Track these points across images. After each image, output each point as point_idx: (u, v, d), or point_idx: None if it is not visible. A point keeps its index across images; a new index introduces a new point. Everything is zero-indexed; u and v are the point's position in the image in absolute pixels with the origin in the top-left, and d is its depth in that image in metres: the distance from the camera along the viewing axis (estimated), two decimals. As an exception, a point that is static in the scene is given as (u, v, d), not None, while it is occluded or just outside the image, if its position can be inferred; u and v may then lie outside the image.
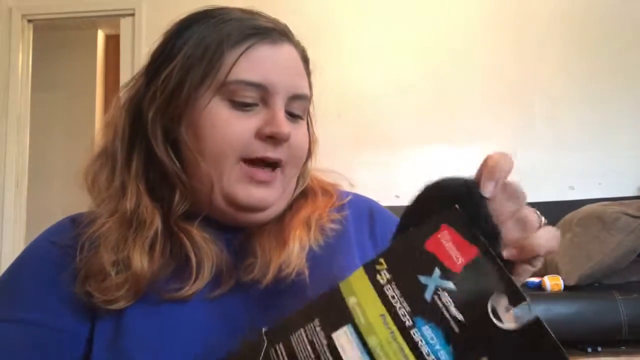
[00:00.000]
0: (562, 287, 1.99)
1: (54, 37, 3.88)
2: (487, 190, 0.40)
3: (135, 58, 3.04)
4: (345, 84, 2.85)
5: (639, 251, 1.97)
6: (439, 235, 0.37)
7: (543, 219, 0.42)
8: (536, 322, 0.31)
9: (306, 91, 0.59)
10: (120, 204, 0.55)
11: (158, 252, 0.53)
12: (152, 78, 0.57)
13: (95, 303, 0.51)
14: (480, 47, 2.86)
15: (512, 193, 0.41)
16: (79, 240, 0.54)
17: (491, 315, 0.32)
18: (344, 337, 0.37)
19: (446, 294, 0.34)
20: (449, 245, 0.36)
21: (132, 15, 3.10)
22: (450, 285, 0.35)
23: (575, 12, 2.83)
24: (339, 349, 0.36)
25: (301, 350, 0.38)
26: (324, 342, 0.37)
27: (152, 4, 3.06)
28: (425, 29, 2.92)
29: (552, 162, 2.74)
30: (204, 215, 0.57)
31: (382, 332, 0.35)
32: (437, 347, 0.33)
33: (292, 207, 0.61)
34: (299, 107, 0.58)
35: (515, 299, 0.32)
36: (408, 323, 0.35)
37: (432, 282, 0.35)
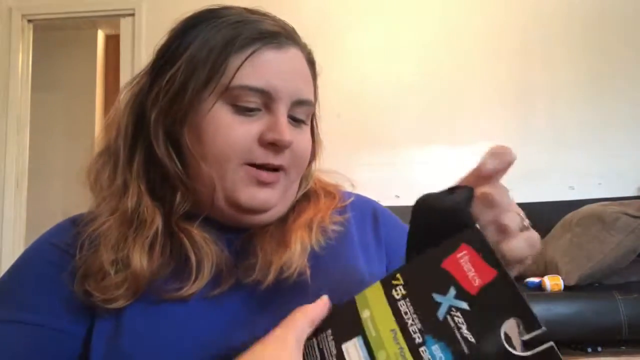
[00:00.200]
0: (562, 287, 1.99)
1: (54, 37, 3.88)
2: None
3: (135, 58, 3.04)
4: (345, 84, 2.85)
5: (639, 251, 1.97)
6: (457, 255, 0.36)
7: (526, 222, 0.42)
8: (550, 351, 0.31)
9: (310, 96, 0.58)
10: (122, 202, 0.55)
11: (158, 252, 0.53)
12: (156, 77, 0.57)
13: (94, 302, 0.51)
14: (480, 48, 2.86)
15: (489, 202, 0.41)
16: (78, 239, 0.54)
17: (504, 341, 0.32)
18: (353, 349, 0.37)
19: (459, 314, 0.34)
20: (467, 265, 0.36)
21: (132, 15, 3.10)
22: (464, 305, 0.34)
23: (576, 12, 2.83)
24: None
25: (310, 358, 0.39)
26: (334, 351, 0.38)
27: (152, 4, 3.06)
28: (426, 29, 2.92)
29: (552, 162, 2.74)
30: (205, 216, 0.57)
31: (391, 347, 0.35)
32: None
33: (294, 209, 0.61)
34: (302, 112, 0.58)
35: (530, 325, 0.31)
36: (418, 340, 0.35)
37: (447, 301, 0.35)
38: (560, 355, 0.31)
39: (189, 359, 0.49)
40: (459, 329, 0.33)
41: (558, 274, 2.04)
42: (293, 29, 0.60)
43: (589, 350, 1.86)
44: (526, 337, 0.31)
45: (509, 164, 0.41)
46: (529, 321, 0.32)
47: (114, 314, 0.51)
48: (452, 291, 0.35)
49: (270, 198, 0.56)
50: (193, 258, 0.53)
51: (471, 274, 0.35)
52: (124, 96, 0.61)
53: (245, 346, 0.43)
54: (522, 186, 2.74)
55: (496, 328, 0.32)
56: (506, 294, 0.33)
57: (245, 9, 0.59)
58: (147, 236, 0.53)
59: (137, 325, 0.51)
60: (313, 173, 0.65)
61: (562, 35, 2.83)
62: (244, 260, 0.56)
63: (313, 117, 0.63)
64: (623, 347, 1.89)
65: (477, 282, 0.35)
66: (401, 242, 0.68)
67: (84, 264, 0.52)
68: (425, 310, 0.35)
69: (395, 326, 0.36)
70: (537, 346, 0.31)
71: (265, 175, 0.55)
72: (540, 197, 2.63)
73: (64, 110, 3.93)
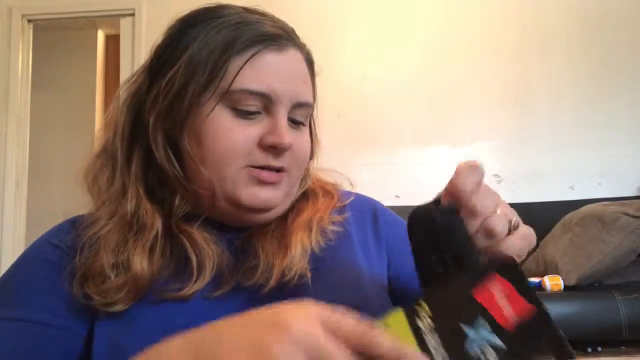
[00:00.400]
0: (562, 287, 1.99)
1: (54, 37, 3.88)
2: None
3: (135, 58, 3.04)
4: (345, 84, 2.85)
5: (639, 251, 1.97)
6: (489, 285, 0.35)
7: (515, 219, 0.42)
8: None
9: (309, 98, 0.58)
10: (121, 206, 0.55)
11: (158, 254, 0.53)
12: (155, 78, 0.57)
13: (93, 305, 0.51)
14: (480, 48, 2.86)
15: (472, 212, 0.41)
16: (78, 242, 0.54)
17: None
18: None
19: (491, 350, 0.33)
20: (501, 297, 0.34)
21: (132, 15, 3.10)
22: (498, 342, 0.33)
23: (576, 12, 2.83)
24: None
25: None
26: None
27: (152, 4, 3.06)
28: (426, 30, 2.92)
29: (552, 162, 2.74)
30: (205, 216, 0.57)
31: None
32: None
33: (293, 208, 0.61)
34: (301, 114, 0.58)
35: None
36: None
37: (477, 333, 0.33)
38: None
39: None
40: None
41: (558, 274, 2.04)
42: (292, 29, 0.59)
43: (589, 350, 1.86)
44: None
45: (482, 176, 0.42)
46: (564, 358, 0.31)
47: (115, 315, 0.51)
48: (484, 323, 0.34)
49: (272, 197, 0.56)
50: (194, 259, 0.53)
51: (506, 307, 0.34)
52: (121, 95, 0.60)
53: None
54: (522, 186, 2.75)
55: None
56: (543, 331, 0.32)
57: (244, 8, 0.59)
58: (148, 239, 0.53)
59: (139, 326, 0.51)
60: (311, 172, 0.65)
61: (562, 36, 2.83)
62: (245, 261, 0.56)
63: (311, 116, 0.63)
64: (623, 347, 1.89)
65: (514, 318, 0.33)
66: (402, 240, 0.68)
67: (84, 266, 0.52)
68: (452, 340, 0.33)
69: None
70: None
71: (266, 174, 0.55)
72: (540, 197, 2.63)
73: (63, 110, 3.93)
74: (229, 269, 0.55)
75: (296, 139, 0.56)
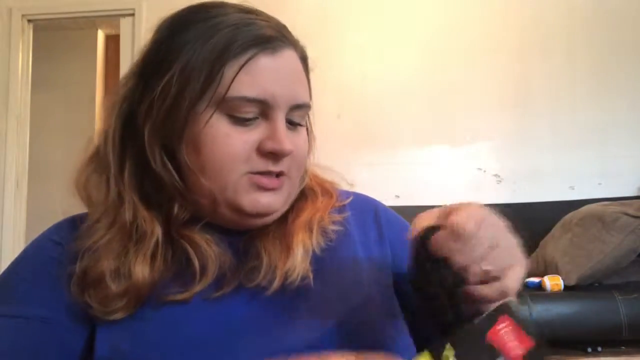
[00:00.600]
0: (562, 287, 1.99)
1: (54, 37, 3.88)
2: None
3: (135, 58, 3.04)
4: (345, 84, 2.85)
5: (639, 251, 1.97)
6: (499, 327, 0.40)
7: (490, 267, 0.43)
8: None
9: (307, 99, 0.58)
10: (119, 215, 0.54)
11: (159, 261, 0.53)
12: (147, 86, 0.55)
13: (93, 314, 0.50)
14: (480, 48, 2.86)
15: (463, 268, 0.42)
16: (79, 248, 0.53)
17: None
18: None
19: None
20: (509, 335, 0.39)
21: (132, 15, 3.10)
22: None
23: (576, 12, 2.83)
24: None
25: None
26: None
27: (152, 4, 3.06)
28: (426, 29, 2.92)
29: (552, 162, 2.74)
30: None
31: None
32: None
33: (293, 207, 0.61)
34: (299, 115, 0.57)
35: None
36: None
37: None
38: None
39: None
40: None
41: (558, 274, 2.04)
42: (285, 27, 0.58)
43: (589, 350, 1.86)
44: None
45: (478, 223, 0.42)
46: None
47: (115, 320, 0.51)
48: None
49: (274, 202, 0.56)
50: (197, 263, 0.53)
51: (515, 345, 0.39)
52: (110, 100, 0.59)
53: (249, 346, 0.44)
54: (522, 186, 2.75)
55: None
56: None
57: (233, 6, 0.57)
58: (149, 248, 0.53)
59: (139, 330, 0.51)
60: (308, 168, 0.64)
61: (562, 36, 2.83)
62: (247, 262, 0.55)
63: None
64: (623, 347, 1.89)
65: (521, 352, 0.39)
66: (403, 237, 0.68)
67: (84, 274, 0.52)
68: None
69: None
70: None
71: (266, 181, 0.54)
72: (540, 197, 2.63)
73: (63, 110, 3.93)
74: (231, 270, 0.54)
75: (295, 142, 0.56)
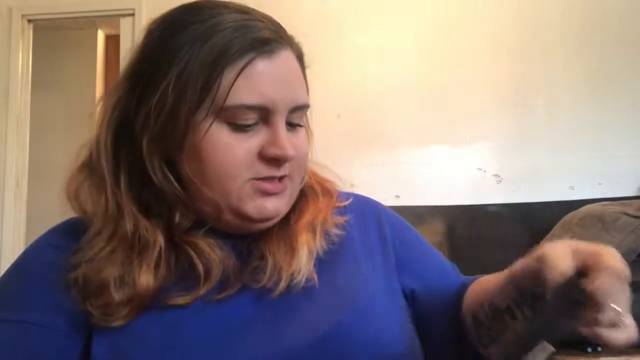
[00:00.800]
0: (562, 287, 1.99)
1: (54, 37, 3.87)
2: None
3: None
4: (345, 84, 2.85)
5: (639, 251, 1.97)
6: None
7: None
8: None
9: (306, 99, 0.57)
10: (119, 226, 0.53)
11: (163, 268, 0.53)
12: (142, 96, 0.54)
13: (93, 322, 0.50)
14: (480, 48, 2.86)
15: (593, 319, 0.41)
16: (80, 259, 0.52)
17: None
18: None
19: None
20: None
21: (132, 15, 3.10)
22: None
23: (576, 12, 2.83)
24: None
25: None
26: None
27: (152, 4, 3.06)
28: (426, 29, 2.91)
29: (552, 162, 2.74)
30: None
31: None
32: None
33: (294, 208, 0.60)
34: (298, 116, 0.57)
35: None
36: None
37: None
38: None
39: None
40: None
41: (558, 274, 2.04)
42: (280, 25, 0.57)
43: (589, 350, 1.86)
44: None
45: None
46: None
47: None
48: None
49: (279, 206, 0.56)
50: (201, 268, 0.53)
51: None
52: (101, 109, 0.58)
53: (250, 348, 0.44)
54: (522, 186, 2.75)
55: None
56: None
57: (226, 5, 0.55)
58: (152, 257, 0.52)
59: (140, 332, 0.50)
60: (307, 167, 0.64)
61: (561, 36, 2.83)
62: (250, 263, 0.55)
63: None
64: (623, 347, 1.88)
65: None
66: (406, 239, 0.68)
67: (85, 283, 0.51)
68: None
69: None
70: None
71: (270, 186, 0.54)
72: (540, 197, 2.63)
73: (64, 110, 3.93)
74: (234, 273, 0.54)
75: (296, 144, 0.55)
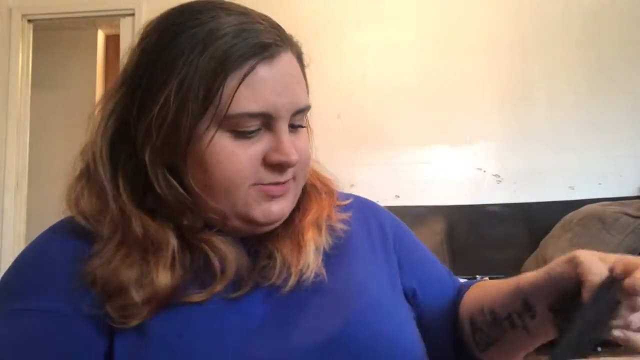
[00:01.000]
0: (562, 287, 1.99)
1: (54, 37, 3.87)
2: None
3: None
4: (345, 84, 2.85)
5: (639, 251, 1.97)
6: None
7: None
8: None
9: (307, 101, 0.57)
10: (129, 231, 0.53)
11: (179, 267, 0.52)
12: (143, 106, 0.53)
13: (111, 323, 0.50)
14: (480, 48, 2.86)
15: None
16: (96, 262, 0.52)
17: None
18: None
19: None
20: None
21: (132, 15, 3.10)
22: None
23: (577, 12, 2.83)
24: None
25: None
26: None
27: (152, 4, 3.06)
28: (426, 29, 2.92)
29: (552, 162, 2.74)
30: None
31: None
32: None
33: (298, 206, 0.61)
34: (300, 118, 0.57)
35: None
36: None
37: None
38: None
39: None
40: None
41: (558, 274, 2.04)
42: (279, 26, 0.56)
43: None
44: None
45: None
46: None
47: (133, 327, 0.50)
48: None
49: (284, 208, 0.56)
50: (217, 263, 0.53)
51: None
52: (96, 115, 0.58)
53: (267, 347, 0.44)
54: (522, 186, 2.75)
55: None
56: None
57: (223, 6, 0.54)
58: (167, 258, 0.52)
59: (160, 331, 0.50)
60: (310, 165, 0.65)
61: (561, 36, 2.83)
62: (259, 262, 0.56)
63: None
64: (623, 347, 1.89)
65: None
66: (406, 242, 0.69)
67: (103, 287, 0.50)
68: None
69: None
70: None
71: (275, 189, 0.54)
72: (540, 197, 2.63)
73: (64, 110, 3.93)
74: (247, 270, 0.55)
75: (298, 146, 0.55)
